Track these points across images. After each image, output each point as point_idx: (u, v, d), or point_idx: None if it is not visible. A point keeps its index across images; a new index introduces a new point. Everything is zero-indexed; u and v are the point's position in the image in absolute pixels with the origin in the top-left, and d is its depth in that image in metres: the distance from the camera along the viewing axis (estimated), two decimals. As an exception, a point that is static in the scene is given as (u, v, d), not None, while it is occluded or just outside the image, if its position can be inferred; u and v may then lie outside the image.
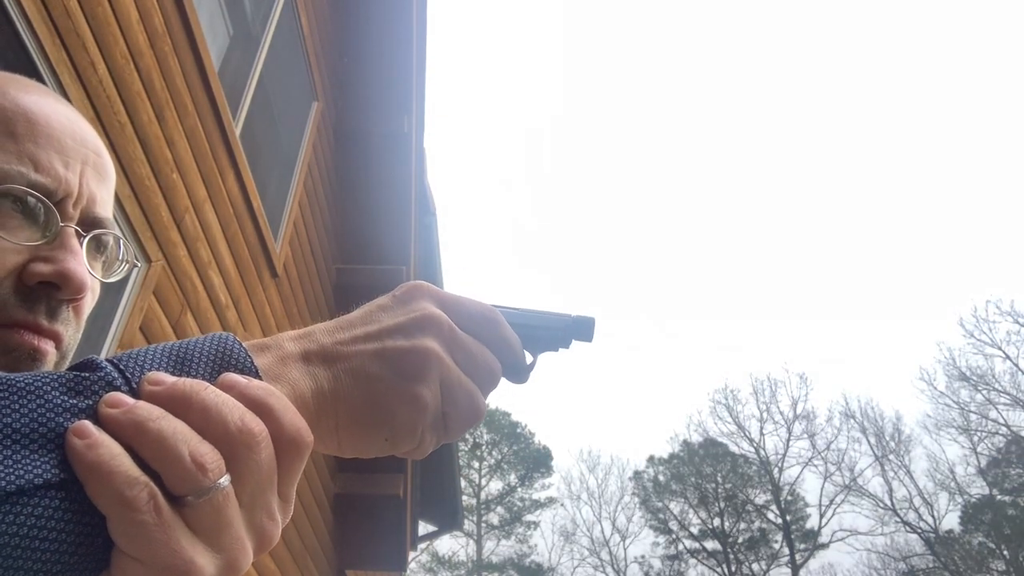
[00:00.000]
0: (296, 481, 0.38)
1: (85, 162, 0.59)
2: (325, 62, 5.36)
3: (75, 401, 0.33)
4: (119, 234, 0.63)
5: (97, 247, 0.61)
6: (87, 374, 0.35)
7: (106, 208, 0.62)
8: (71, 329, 0.57)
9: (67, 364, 0.57)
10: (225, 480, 0.33)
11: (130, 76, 2.74)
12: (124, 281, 2.80)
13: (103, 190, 0.61)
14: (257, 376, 0.39)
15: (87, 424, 0.32)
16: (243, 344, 0.40)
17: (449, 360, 0.45)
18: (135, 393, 0.35)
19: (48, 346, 0.55)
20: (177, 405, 0.34)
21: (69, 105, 0.63)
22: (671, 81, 57.08)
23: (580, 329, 0.56)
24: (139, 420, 0.33)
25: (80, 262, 0.56)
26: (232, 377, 0.37)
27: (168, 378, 0.35)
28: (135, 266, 0.67)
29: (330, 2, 5.43)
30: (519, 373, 0.53)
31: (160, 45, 2.99)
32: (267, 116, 4.70)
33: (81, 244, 0.57)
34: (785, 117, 55.25)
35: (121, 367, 0.36)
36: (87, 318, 0.62)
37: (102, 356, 0.37)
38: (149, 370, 0.36)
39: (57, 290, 0.55)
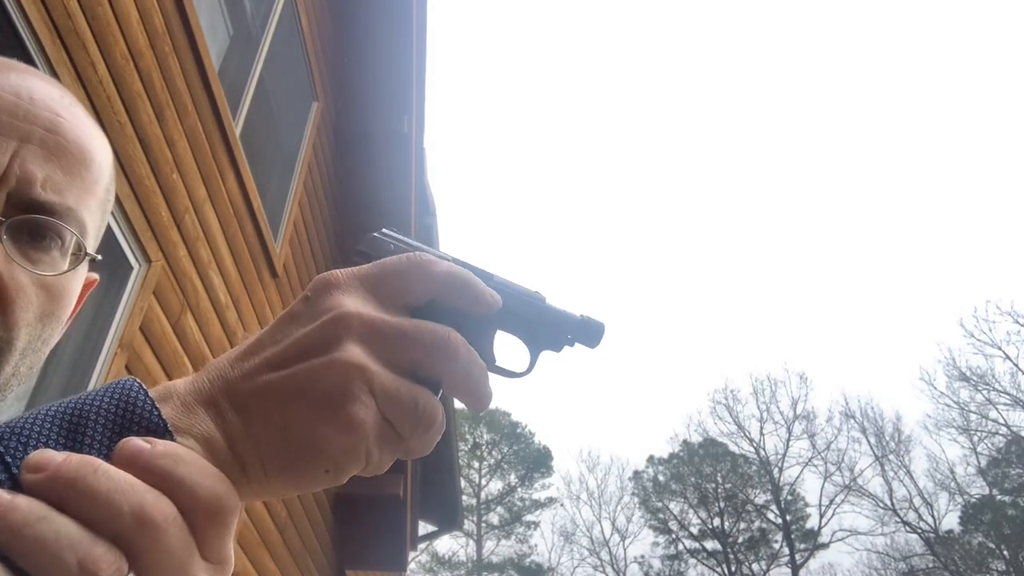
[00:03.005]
0: (229, 542, 0.33)
1: (26, 139, 0.52)
2: (325, 62, 5.36)
3: None
4: (59, 222, 0.53)
5: (36, 235, 0.52)
6: None
7: (62, 192, 0.53)
8: None
9: (1, 370, 0.52)
10: None
11: (130, 76, 2.74)
12: (124, 281, 2.80)
13: (58, 171, 0.53)
14: (165, 432, 0.33)
15: None
16: (147, 393, 0.34)
17: (376, 366, 0.37)
18: (17, 483, 0.29)
19: None
20: (63, 495, 0.29)
21: (43, 83, 0.57)
22: (672, 80, 57.11)
23: (586, 332, 0.52)
24: (14, 526, 0.27)
25: None
26: (132, 446, 0.31)
27: (53, 459, 0.30)
28: (91, 259, 0.58)
29: (330, 2, 5.43)
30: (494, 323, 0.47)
31: (160, 45, 2.99)
32: (267, 116, 4.70)
33: (0, 232, 0.50)
34: (788, 117, 55.29)
35: (1, 448, 0.30)
36: (55, 318, 0.56)
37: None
38: (35, 446, 0.30)
39: None
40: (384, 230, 0.49)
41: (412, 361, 0.39)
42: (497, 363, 0.49)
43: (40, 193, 0.52)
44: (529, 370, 0.50)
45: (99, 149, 0.59)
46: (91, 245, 0.58)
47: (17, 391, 0.56)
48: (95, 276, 0.65)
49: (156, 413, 0.34)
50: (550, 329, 0.51)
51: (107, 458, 0.31)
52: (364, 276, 0.40)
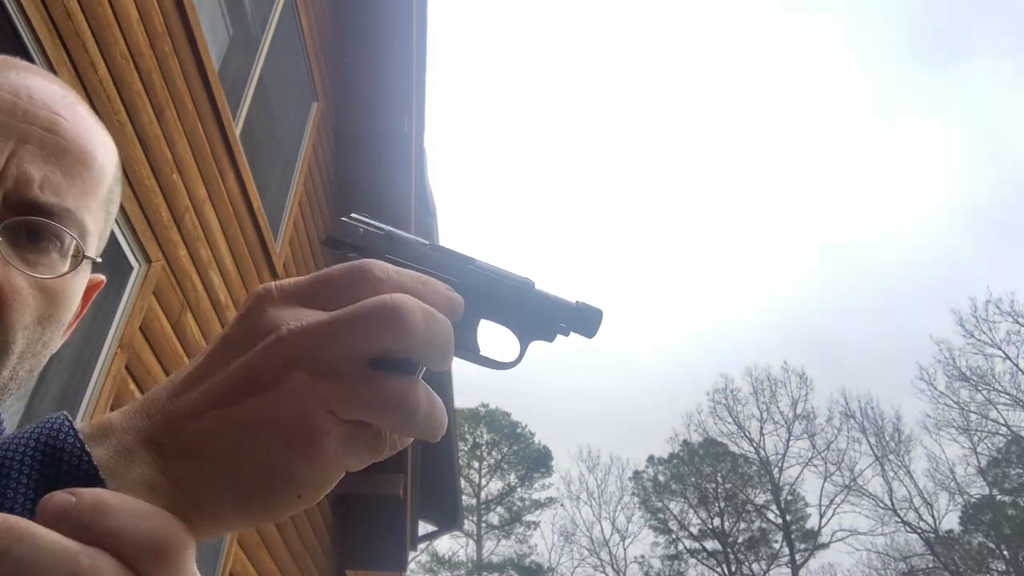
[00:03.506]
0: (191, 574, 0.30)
1: (24, 139, 0.51)
2: (325, 62, 5.36)
3: None
4: (56, 224, 0.52)
5: (34, 237, 0.51)
6: None
7: (61, 194, 0.52)
8: None
9: None
10: None
11: (130, 76, 2.74)
12: (124, 281, 2.80)
13: (56, 172, 0.52)
14: (95, 479, 0.30)
15: None
16: (78, 434, 0.31)
17: (327, 382, 0.32)
18: None
19: None
20: None
21: (44, 81, 0.56)
22: (675, 78, 57.14)
23: (583, 321, 0.48)
24: None
25: None
26: (55, 503, 0.28)
27: None
28: (89, 260, 0.57)
29: (330, 2, 5.43)
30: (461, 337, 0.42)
31: (160, 45, 2.99)
32: (267, 116, 4.70)
33: None
34: (787, 117, 55.30)
35: None
36: (55, 321, 0.55)
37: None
38: None
39: None
40: (353, 215, 0.44)
41: (365, 353, 0.33)
42: (481, 353, 0.45)
43: (38, 194, 0.51)
44: (517, 361, 0.47)
45: (101, 149, 0.57)
46: (92, 247, 0.56)
47: (16, 393, 0.55)
48: (101, 278, 0.64)
49: (86, 459, 0.31)
50: (540, 317, 0.47)
51: (32, 511, 0.29)
52: (299, 290, 0.36)
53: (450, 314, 0.36)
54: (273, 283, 0.36)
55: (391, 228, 0.44)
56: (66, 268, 0.53)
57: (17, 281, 0.50)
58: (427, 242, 0.44)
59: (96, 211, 0.56)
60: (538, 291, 0.47)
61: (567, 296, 0.49)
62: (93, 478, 0.30)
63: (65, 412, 0.33)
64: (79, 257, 0.54)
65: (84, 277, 0.58)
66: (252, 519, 0.33)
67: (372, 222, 0.44)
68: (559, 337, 0.48)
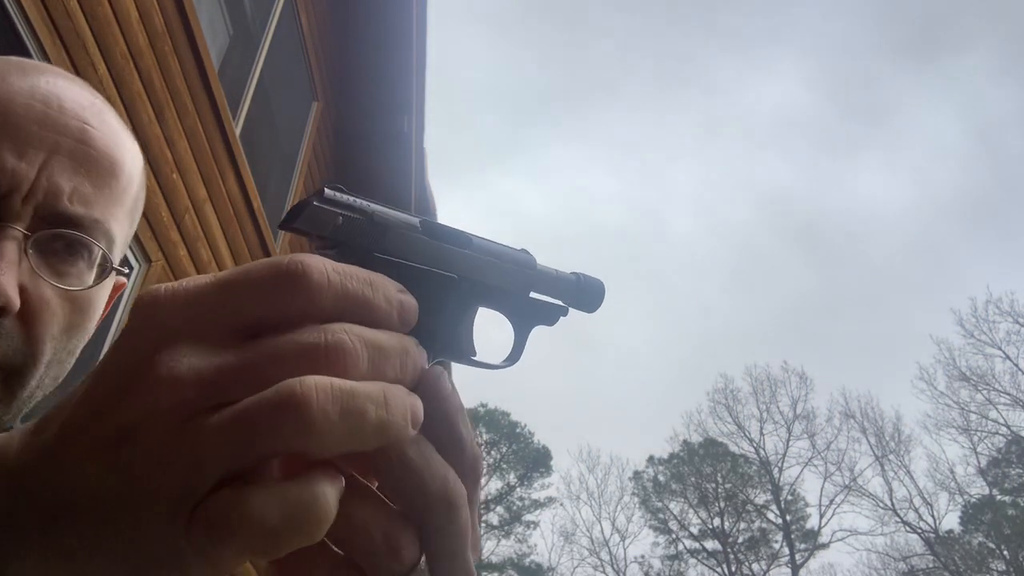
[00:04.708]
0: None
1: (55, 150, 0.51)
2: (325, 62, 5.36)
3: None
4: (86, 236, 0.53)
5: (64, 249, 0.52)
6: None
7: (90, 204, 0.53)
8: (13, 343, 0.49)
9: (26, 383, 0.51)
10: None
11: (130, 76, 2.74)
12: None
13: (86, 183, 0.52)
14: None
15: None
16: None
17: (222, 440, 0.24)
18: None
19: None
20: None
21: (72, 87, 0.56)
22: (675, 78, 57.17)
23: (584, 295, 0.43)
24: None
25: None
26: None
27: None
28: (123, 272, 0.58)
29: (330, 2, 5.43)
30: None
31: (160, 45, 2.99)
32: (267, 116, 4.70)
33: (27, 246, 0.49)
34: (791, 117, 55.29)
35: None
36: (81, 330, 0.55)
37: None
38: None
39: None
40: (327, 192, 0.32)
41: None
42: (476, 357, 0.38)
43: (67, 206, 0.51)
44: (517, 358, 0.41)
45: (128, 157, 0.58)
46: (117, 254, 0.57)
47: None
48: (124, 280, 0.65)
49: None
50: (542, 300, 0.42)
51: None
52: (199, 301, 0.26)
53: (402, 326, 0.29)
54: (162, 288, 0.27)
55: (375, 206, 0.34)
56: (92, 278, 0.54)
57: (46, 293, 0.51)
58: (418, 220, 0.35)
59: (122, 220, 0.57)
60: (541, 269, 0.42)
61: (563, 269, 0.44)
62: None
63: None
64: (106, 267, 0.55)
65: (109, 284, 0.59)
66: None
67: (351, 201, 0.33)
68: (560, 319, 0.43)
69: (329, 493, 0.25)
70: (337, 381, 0.25)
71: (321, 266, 0.27)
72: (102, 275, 0.55)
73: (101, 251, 0.54)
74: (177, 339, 0.26)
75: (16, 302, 0.48)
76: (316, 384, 0.24)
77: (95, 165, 0.54)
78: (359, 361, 0.26)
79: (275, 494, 0.24)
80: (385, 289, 0.28)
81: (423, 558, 0.29)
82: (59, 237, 0.51)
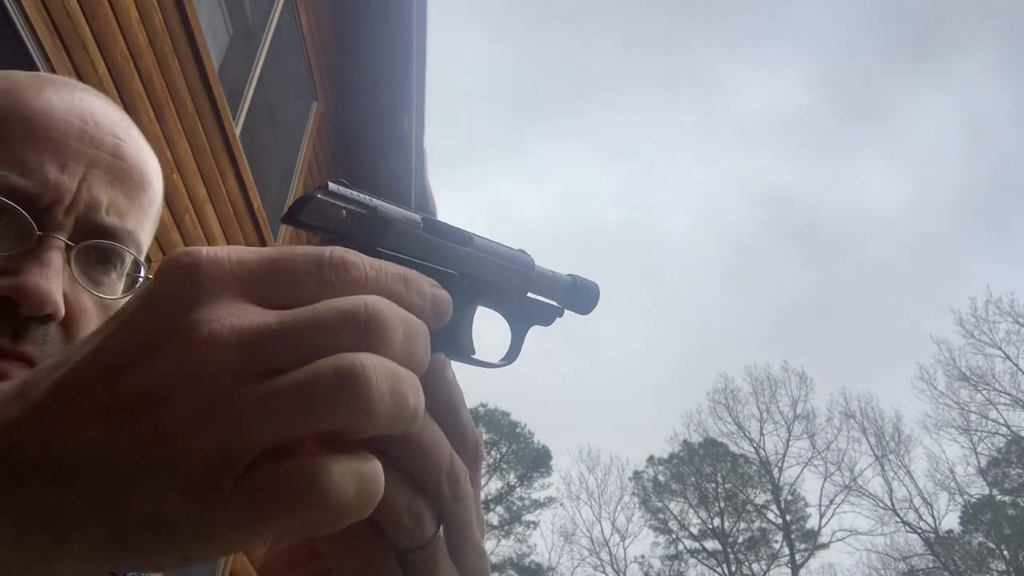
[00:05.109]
0: None
1: (92, 164, 0.54)
2: (325, 62, 5.36)
3: None
4: (122, 247, 0.56)
5: (101, 259, 0.55)
6: None
7: (124, 216, 0.56)
8: (56, 348, 0.51)
9: None
10: None
11: (130, 76, 2.74)
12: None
13: (120, 196, 0.56)
14: None
15: None
16: None
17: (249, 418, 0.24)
18: None
19: (10, 367, 0.49)
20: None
21: (103, 104, 0.59)
22: (674, 77, 57.19)
23: (579, 297, 0.44)
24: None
25: (47, 276, 0.50)
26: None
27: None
28: (150, 279, 0.60)
29: (330, 2, 5.43)
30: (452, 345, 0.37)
31: (160, 45, 2.99)
32: (267, 116, 4.70)
33: (70, 256, 0.52)
34: (794, 118, 55.28)
35: None
36: None
37: None
38: None
39: (17, 306, 0.49)
40: (332, 186, 0.33)
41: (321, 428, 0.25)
42: (475, 356, 0.39)
43: (104, 218, 0.55)
44: (515, 357, 0.42)
45: (154, 170, 0.62)
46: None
47: None
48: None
49: None
50: (540, 301, 0.42)
51: None
52: (244, 271, 0.26)
53: (437, 319, 0.30)
54: (204, 251, 0.26)
55: (378, 201, 0.34)
56: (122, 287, 0.58)
57: (84, 301, 0.55)
58: (420, 217, 0.36)
59: (148, 230, 0.62)
60: (538, 270, 0.42)
61: (559, 271, 0.45)
62: None
63: None
64: (135, 275, 0.59)
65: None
66: (120, 566, 0.25)
67: (355, 196, 0.33)
68: (556, 320, 0.44)
69: (380, 468, 0.26)
70: (389, 363, 0.25)
71: (359, 260, 0.27)
72: (132, 283, 0.59)
73: (133, 259, 0.58)
74: (219, 302, 0.25)
75: (63, 310, 0.51)
76: (374, 364, 0.24)
77: (128, 178, 0.57)
78: (396, 335, 0.26)
79: (353, 467, 0.25)
80: (419, 284, 0.29)
81: (441, 528, 0.33)
82: (96, 247, 0.55)
